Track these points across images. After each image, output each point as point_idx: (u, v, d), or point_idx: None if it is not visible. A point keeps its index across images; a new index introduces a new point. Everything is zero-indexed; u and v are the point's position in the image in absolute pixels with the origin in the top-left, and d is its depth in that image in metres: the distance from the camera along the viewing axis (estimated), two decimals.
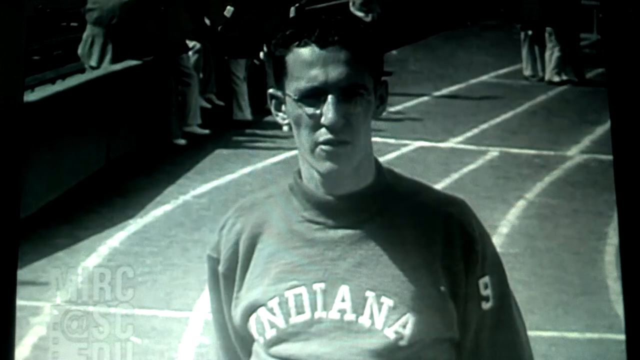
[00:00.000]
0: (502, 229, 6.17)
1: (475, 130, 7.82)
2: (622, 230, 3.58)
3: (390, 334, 1.96)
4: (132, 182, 6.91)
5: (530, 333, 2.09)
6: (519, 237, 6.10)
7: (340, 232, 2.00)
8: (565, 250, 5.99)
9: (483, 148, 7.49)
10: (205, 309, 4.94)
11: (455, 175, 6.99)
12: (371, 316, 1.97)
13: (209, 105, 8.55)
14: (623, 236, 3.59)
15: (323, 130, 1.94)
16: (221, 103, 8.60)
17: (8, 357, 3.27)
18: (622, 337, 3.67)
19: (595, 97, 8.09)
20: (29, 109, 6.11)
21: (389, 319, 1.96)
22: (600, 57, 8.66)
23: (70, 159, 6.74)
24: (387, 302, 1.97)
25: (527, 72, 9.00)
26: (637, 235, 3.53)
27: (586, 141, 7.61)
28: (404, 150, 7.27)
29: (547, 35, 8.94)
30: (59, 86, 7.25)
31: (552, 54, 8.88)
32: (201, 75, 8.48)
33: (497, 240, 5.89)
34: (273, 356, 2.01)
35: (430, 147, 7.45)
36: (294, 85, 1.95)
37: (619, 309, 5.14)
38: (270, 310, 2.01)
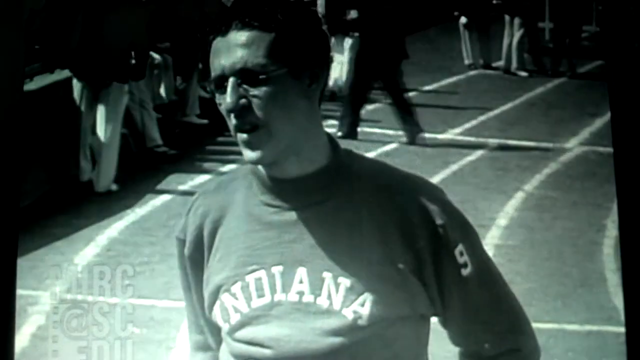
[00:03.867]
0: (501, 221, 6.16)
1: (474, 122, 7.81)
2: (622, 223, 3.59)
3: (348, 313, 1.97)
4: (131, 171, 6.90)
5: None
6: (518, 229, 6.09)
7: (296, 215, 2.00)
8: (564, 242, 5.98)
9: (482, 140, 7.48)
10: None
11: (453, 167, 6.99)
12: (329, 297, 1.98)
13: (207, 95, 8.54)
14: (622, 228, 3.60)
15: (232, 116, 1.94)
16: None
17: (8, 345, 3.27)
18: (621, 329, 3.68)
19: (594, 89, 8.08)
20: (29, 98, 6.10)
21: (346, 299, 1.97)
22: (599, 50, 8.66)
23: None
24: (344, 282, 1.97)
25: (468, 61, 8.84)
26: (636, 227, 3.54)
27: (585, 133, 7.61)
28: (402, 141, 7.25)
29: (507, 23, 8.84)
30: (58, 75, 7.24)
31: (511, 43, 8.79)
32: (200, 66, 8.47)
33: (495, 233, 5.89)
34: (237, 341, 2.03)
35: (429, 138, 7.43)
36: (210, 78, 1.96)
37: (618, 301, 5.15)
38: (234, 295, 2.03)
